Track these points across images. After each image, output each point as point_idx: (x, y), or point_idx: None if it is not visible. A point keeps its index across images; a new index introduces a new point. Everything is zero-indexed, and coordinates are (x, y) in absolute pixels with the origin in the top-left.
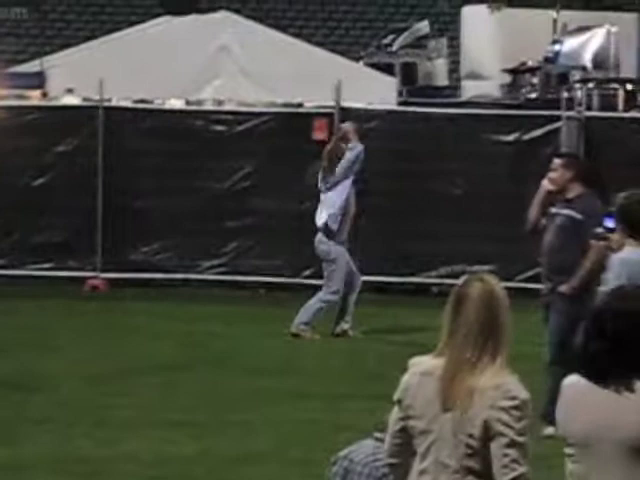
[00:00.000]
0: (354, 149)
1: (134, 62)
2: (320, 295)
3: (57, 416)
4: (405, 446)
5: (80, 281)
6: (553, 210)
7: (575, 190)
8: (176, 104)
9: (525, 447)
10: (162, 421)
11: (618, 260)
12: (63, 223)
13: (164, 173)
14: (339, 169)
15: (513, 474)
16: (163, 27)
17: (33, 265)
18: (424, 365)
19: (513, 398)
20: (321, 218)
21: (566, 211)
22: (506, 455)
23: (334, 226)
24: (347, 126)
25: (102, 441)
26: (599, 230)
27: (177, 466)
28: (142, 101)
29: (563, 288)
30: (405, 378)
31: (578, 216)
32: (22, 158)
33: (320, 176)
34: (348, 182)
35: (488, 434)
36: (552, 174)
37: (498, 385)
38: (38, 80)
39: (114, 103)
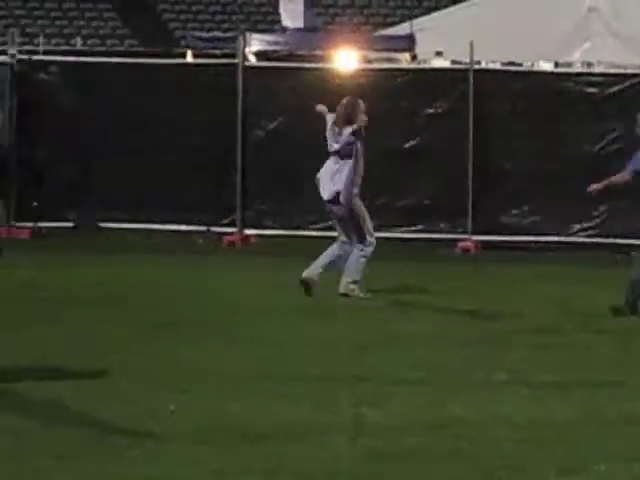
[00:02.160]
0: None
1: (503, 25)
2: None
3: (430, 378)
4: None
5: (451, 243)
6: None
7: None
8: (545, 66)
9: None
10: (534, 384)
11: None
12: (433, 186)
13: (533, 136)
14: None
15: None
16: None
17: (402, 227)
18: None
19: None
20: (336, 186)
21: None
22: None
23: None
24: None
25: (474, 404)
26: None
27: (546, 431)
28: (511, 63)
29: None
30: None
31: None
32: (392, 121)
33: (332, 134)
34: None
35: None
36: None
37: None
38: (407, 43)
39: (483, 65)
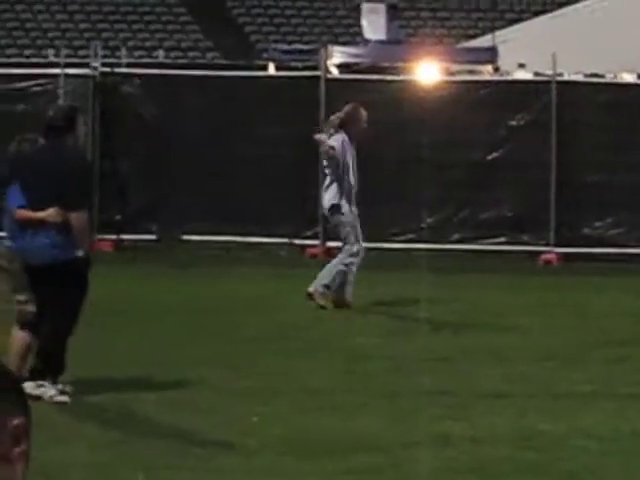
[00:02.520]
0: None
1: (585, 36)
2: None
3: (513, 391)
4: None
5: (533, 255)
6: None
7: None
8: (628, 78)
9: None
10: (617, 396)
11: None
12: (516, 198)
13: (616, 148)
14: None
15: None
16: (610, 2)
17: (484, 240)
18: None
19: None
20: (329, 200)
21: None
22: None
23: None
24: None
25: (558, 416)
26: None
27: (630, 442)
28: (594, 75)
29: None
30: None
31: None
32: (475, 133)
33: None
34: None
35: None
36: None
37: None
38: (490, 55)
39: (565, 77)
